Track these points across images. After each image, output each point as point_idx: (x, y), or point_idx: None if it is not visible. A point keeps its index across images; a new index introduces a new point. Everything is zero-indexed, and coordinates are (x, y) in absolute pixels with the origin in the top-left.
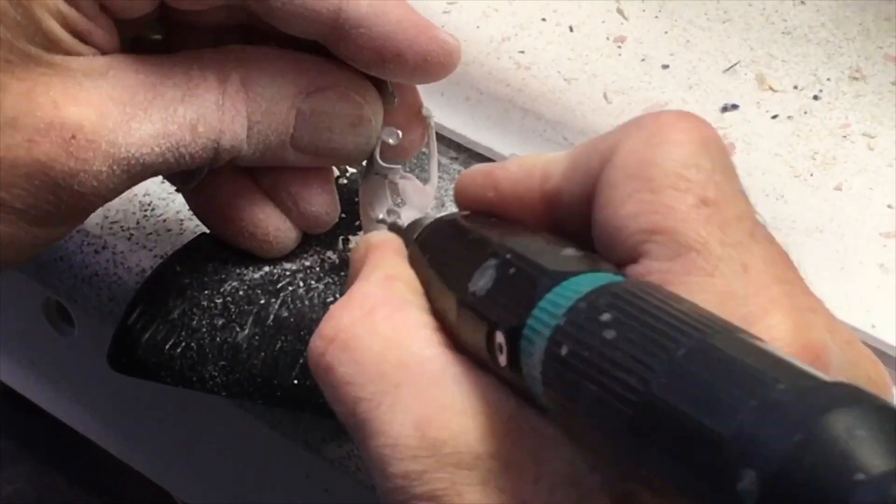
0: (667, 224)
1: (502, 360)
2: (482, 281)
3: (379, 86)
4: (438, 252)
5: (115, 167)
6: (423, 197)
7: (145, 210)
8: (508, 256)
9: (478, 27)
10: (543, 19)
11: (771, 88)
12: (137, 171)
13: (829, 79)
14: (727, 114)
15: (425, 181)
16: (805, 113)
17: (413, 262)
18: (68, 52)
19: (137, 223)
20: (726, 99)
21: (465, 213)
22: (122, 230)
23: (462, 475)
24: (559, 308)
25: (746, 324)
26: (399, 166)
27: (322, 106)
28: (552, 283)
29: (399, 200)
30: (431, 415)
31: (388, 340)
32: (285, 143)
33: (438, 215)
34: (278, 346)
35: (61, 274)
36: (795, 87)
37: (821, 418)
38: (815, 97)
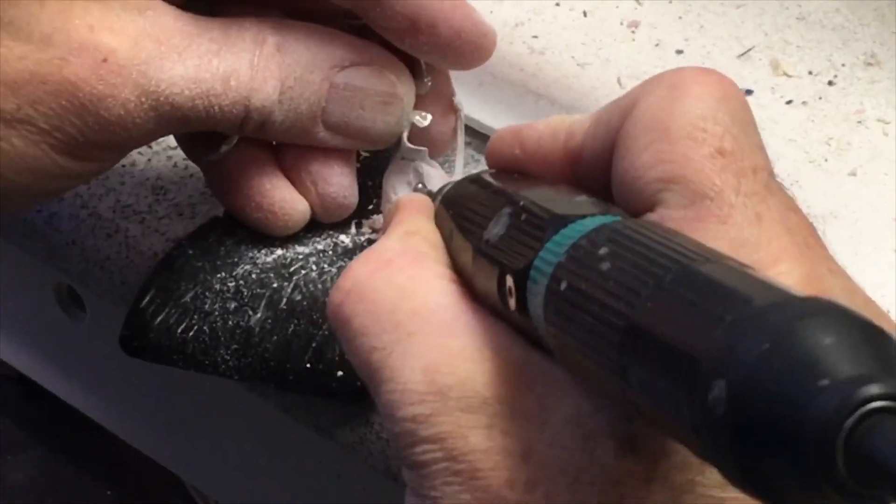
0: (682, 173)
1: (512, 303)
2: (496, 228)
3: (413, 68)
4: (460, 206)
5: (143, 98)
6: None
7: (157, 194)
8: (522, 204)
9: (491, 12)
10: (557, 4)
11: (785, 74)
12: (166, 112)
13: (843, 64)
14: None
15: (449, 173)
16: (820, 98)
17: (438, 220)
18: None
19: (149, 207)
20: (741, 84)
21: (492, 170)
22: (135, 214)
23: (468, 419)
24: (562, 247)
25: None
26: (425, 150)
27: (355, 81)
28: (560, 225)
29: (421, 187)
30: (440, 361)
31: (402, 290)
32: (316, 115)
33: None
34: (291, 329)
35: (73, 258)
36: (810, 73)
37: (789, 327)
38: (830, 83)
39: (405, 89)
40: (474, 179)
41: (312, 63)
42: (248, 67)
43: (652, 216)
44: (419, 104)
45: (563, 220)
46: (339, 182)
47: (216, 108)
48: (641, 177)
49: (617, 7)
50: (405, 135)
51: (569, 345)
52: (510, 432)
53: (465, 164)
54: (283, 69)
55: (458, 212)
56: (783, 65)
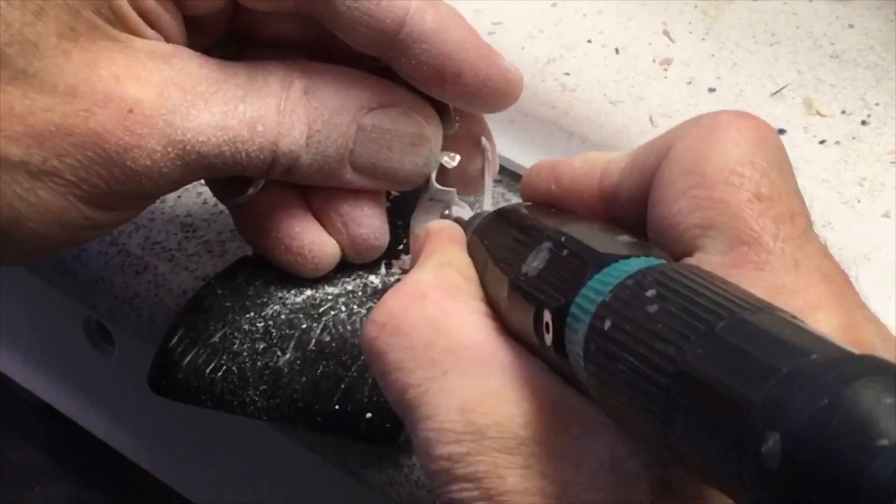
0: (720, 219)
1: (548, 339)
2: (535, 262)
3: (441, 110)
4: (496, 238)
5: (169, 148)
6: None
7: (187, 231)
8: (563, 240)
9: (523, 48)
10: (589, 41)
11: (818, 113)
12: (193, 160)
13: (877, 103)
14: (774, 131)
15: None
16: (853, 138)
17: (471, 250)
18: (134, 32)
19: (179, 244)
20: (773, 123)
21: (527, 203)
22: (164, 251)
23: (504, 459)
24: (606, 286)
25: None
26: (454, 191)
27: (383, 123)
28: (602, 264)
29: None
30: (477, 400)
31: (437, 326)
32: (344, 157)
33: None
34: (320, 370)
35: (102, 294)
36: (843, 112)
37: (848, 385)
38: (864, 122)
39: (433, 131)
40: (510, 212)
41: (340, 106)
42: (274, 112)
43: (690, 261)
44: (447, 144)
45: (607, 259)
46: (370, 223)
47: (243, 154)
48: (679, 223)
49: (649, 44)
50: (433, 175)
51: (609, 386)
52: (546, 473)
53: (494, 204)
54: (310, 113)
55: (493, 243)
56: (816, 104)
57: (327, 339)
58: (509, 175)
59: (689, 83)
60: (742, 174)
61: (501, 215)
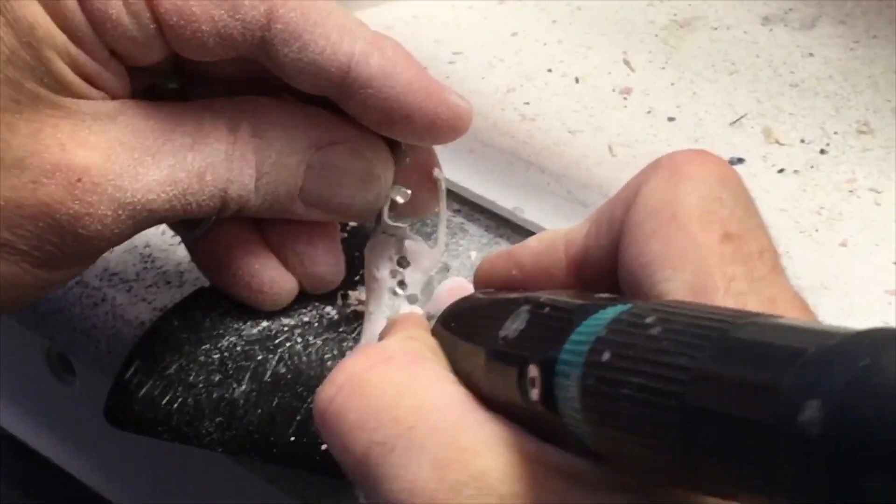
0: (693, 260)
1: (534, 394)
2: (514, 325)
3: (391, 144)
4: (463, 318)
5: (120, 212)
6: (430, 260)
7: (146, 262)
8: (542, 300)
9: (483, 78)
10: (549, 70)
11: (777, 142)
12: (143, 217)
13: (836, 132)
14: (733, 167)
15: (433, 244)
16: (812, 167)
17: (436, 336)
18: (78, 95)
19: (137, 275)
20: (732, 152)
21: (488, 290)
22: (122, 282)
23: None
24: (596, 327)
25: None
26: (406, 226)
27: (332, 160)
28: (588, 313)
29: (405, 261)
30: (450, 456)
31: (402, 387)
32: (294, 195)
33: (447, 281)
34: (275, 402)
35: (61, 326)
36: (802, 141)
37: (884, 346)
38: (822, 151)
39: (383, 167)
40: (472, 298)
41: (288, 146)
42: (223, 159)
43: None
44: (399, 176)
45: (591, 309)
46: (326, 261)
47: (193, 204)
48: (651, 263)
49: (609, 73)
50: (385, 209)
51: (612, 417)
52: None
53: (452, 235)
54: (258, 155)
55: (461, 324)
56: (775, 132)
57: (283, 370)
58: (468, 205)
59: (649, 112)
60: (712, 212)
61: (463, 301)
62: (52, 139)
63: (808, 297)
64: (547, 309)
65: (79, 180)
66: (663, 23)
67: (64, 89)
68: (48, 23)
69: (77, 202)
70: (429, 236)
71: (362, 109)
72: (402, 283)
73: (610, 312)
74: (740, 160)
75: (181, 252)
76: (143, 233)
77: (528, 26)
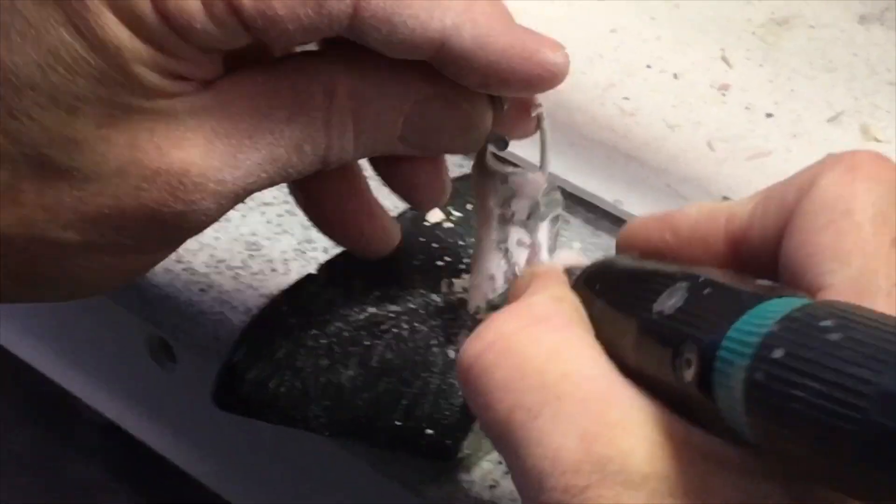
0: (860, 259)
1: (688, 374)
2: (671, 301)
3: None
4: (610, 284)
5: (223, 201)
6: (534, 186)
7: (251, 250)
8: (701, 280)
9: (583, 73)
10: (648, 66)
11: (875, 139)
12: (243, 196)
13: None
14: None
15: (538, 168)
16: None
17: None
18: (170, 96)
19: (243, 263)
20: (830, 148)
21: (633, 255)
22: (229, 269)
23: (628, 494)
24: (765, 320)
25: None
26: (509, 166)
27: (430, 112)
28: (753, 302)
29: (510, 191)
30: (598, 430)
31: (552, 352)
32: (393, 143)
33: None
34: (381, 387)
35: (167, 312)
36: None
37: None
38: None
39: (481, 115)
40: (620, 260)
41: (386, 103)
42: (321, 126)
43: (823, 295)
44: (497, 118)
45: (758, 298)
46: (431, 187)
47: (294, 174)
48: (816, 254)
49: (707, 70)
50: (488, 153)
51: (780, 416)
52: None
53: (555, 223)
54: (356, 116)
55: (609, 289)
56: (873, 129)
57: (389, 356)
58: (570, 197)
59: (747, 108)
60: (887, 214)
61: (607, 265)
62: (149, 144)
63: None
64: (708, 289)
65: (180, 182)
66: (761, 20)
67: (155, 94)
68: (134, 42)
69: (180, 202)
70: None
71: (459, 76)
72: (509, 210)
73: (780, 305)
74: None
75: (287, 240)
76: (249, 221)
77: (627, 23)
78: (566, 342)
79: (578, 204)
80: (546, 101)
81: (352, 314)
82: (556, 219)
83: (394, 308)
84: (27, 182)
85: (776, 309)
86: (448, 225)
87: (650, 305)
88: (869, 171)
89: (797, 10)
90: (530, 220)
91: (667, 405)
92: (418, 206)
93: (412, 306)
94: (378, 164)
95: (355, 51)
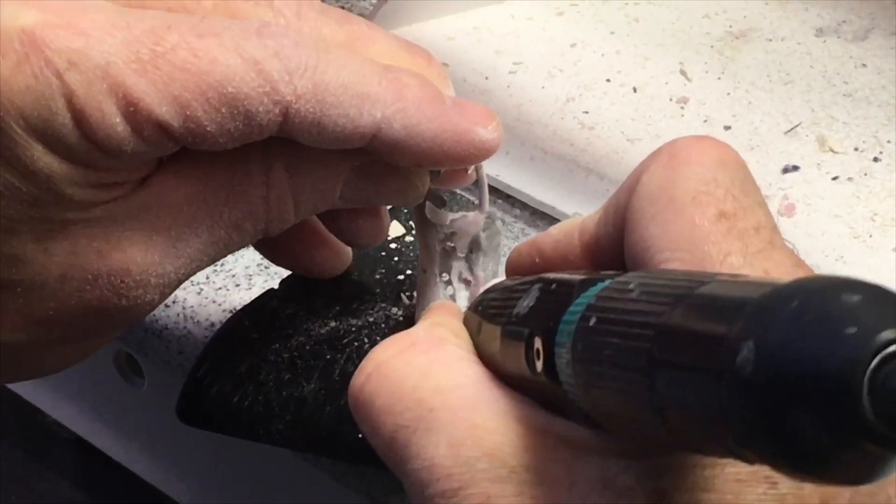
0: (689, 239)
1: (539, 365)
2: (525, 302)
3: None
4: (487, 303)
5: (166, 290)
6: (474, 225)
7: (215, 265)
8: (550, 278)
9: (543, 87)
10: (608, 80)
11: (832, 150)
12: (185, 279)
13: (889, 141)
14: (788, 175)
15: (476, 206)
16: (865, 175)
17: (466, 321)
18: (105, 202)
19: (207, 278)
20: (787, 160)
21: (515, 277)
22: (192, 285)
23: (497, 489)
24: (591, 297)
25: None
26: (448, 217)
27: (369, 176)
28: (588, 285)
29: (451, 232)
30: (465, 434)
31: (424, 370)
32: (333, 203)
33: (496, 280)
34: (343, 400)
35: (132, 327)
36: (856, 149)
37: (818, 288)
38: (876, 159)
39: (419, 179)
40: (497, 285)
41: (324, 174)
42: (261, 204)
43: None
44: (434, 177)
45: (591, 282)
46: (368, 234)
47: (234, 249)
48: (651, 246)
49: (666, 83)
50: (426, 206)
51: (595, 380)
52: (539, 498)
53: (514, 240)
54: (295, 189)
55: (485, 307)
56: (829, 141)
57: (351, 369)
58: (529, 210)
59: (706, 121)
60: (708, 192)
61: (490, 289)
62: (88, 249)
63: None
64: (554, 285)
65: (122, 281)
66: (719, 34)
67: (90, 206)
68: (64, 166)
69: (123, 299)
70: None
71: (393, 160)
72: (451, 247)
73: (605, 283)
74: (795, 168)
75: (250, 255)
76: None
77: (586, 37)
78: (437, 359)
79: (537, 217)
80: (507, 115)
81: (313, 328)
82: (497, 246)
83: (355, 322)
84: None
85: (602, 286)
86: (409, 238)
87: (511, 312)
88: (686, 155)
89: (755, 24)
90: (472, 253)
91: (533, 400)
92: (360, 247)
93: (371, 320)
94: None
95: None
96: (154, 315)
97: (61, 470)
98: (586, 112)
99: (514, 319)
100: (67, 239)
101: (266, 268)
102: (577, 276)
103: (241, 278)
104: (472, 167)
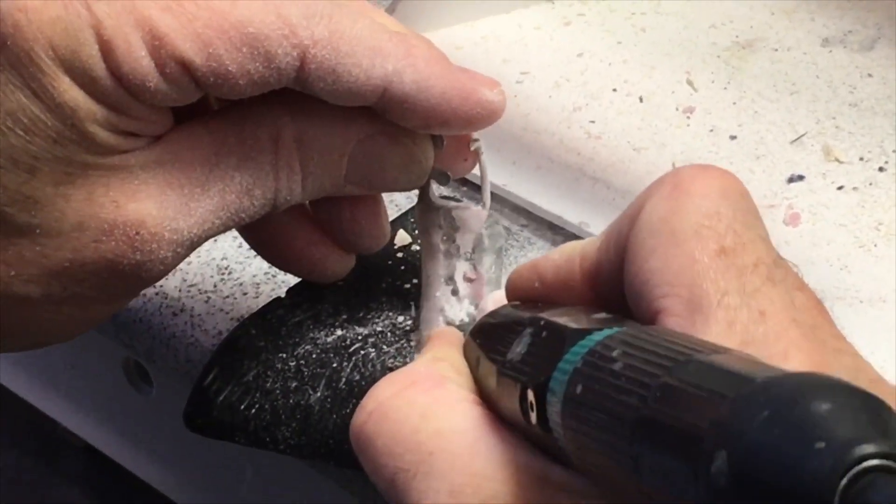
0: (689, 276)
1: (533, 417)
2: (518, 348)
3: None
4: (486, 334)
5: (178, 249)
6: (477, 220)
7: (223, 273)
8: (541, 323)
9: (550, 97)
10: (614, 90)
11: (837, 160)
12: (198, 243)
13: (894, 150)
14: (793, 184)
15: (479, 202)
16: (870, 184)
17: (466, 350)
18: (123, 151)
19: (215, 286)
20: (793, 170)
21: (515, 302)
22: (200, 293)
23: None
24: (579, 356)
25: None
26: (451, 201)
27: (373, 150)
28: (577, 338)
29: (454, 225)
30: (464, 482)
31: (424, 412)
32: (339, 183)
33: (495, 292)
34: (349, 408)
35: (140, 335)
36: (861, 159)
37: (788, 397)
38: (881, 168)
39: (423, 150)
40: (499, 311)
41: (331, 144)
42: (269, 170)
43: (662, 318)
44: (437, 154)
45: (581, 333)
46: (370, 234)
47: (245, 218)
48: (649, 280)
49: (673, 93)
50: (430, 188)
51: (585, 446)
52: None
53: (520, 248)
54: (302, 159)
55: (484, 339)
56: (835, 151)
57: (357, 377)
58: (535, 219)
59: (711, 131)
60: (709, 227)
61: (492, 316)
62: (105, 198)
63: (866, 310)
64: (544, 333)
65: (136, 233)
66: (725, 44)
67: (110, 151)
68: (89, 102)
69: (138, 253)
70: (474, 198)
71: (401, 119)
72: (454, 245)
73: (594, 338)
74: (800, 177)
75: (257, 264)
76: (220, 245)
77: (593, 47)
78: (437, 401)
79: (544, 226)
80: (513, 124)
81: (320, 337)
82: (500, 250)
83: (361, 330)
84: None
85: (589, 345)
86: (415, 248)
87: (506, 353)
88: (689, 186)
89: (761, 34)
90: (475, 253)
91: (530, 443)
92: (361, 251)
93: (379, 329)
94: (319, 214)
95: (298, 96)
96: (162, 323)
97: (71, 477)
98: (593, 121)
99: (507, 365)
100: (85, 187)
101: (273, 276)
102: (567, 326)
103: (249, 286)
104: (474, 147)
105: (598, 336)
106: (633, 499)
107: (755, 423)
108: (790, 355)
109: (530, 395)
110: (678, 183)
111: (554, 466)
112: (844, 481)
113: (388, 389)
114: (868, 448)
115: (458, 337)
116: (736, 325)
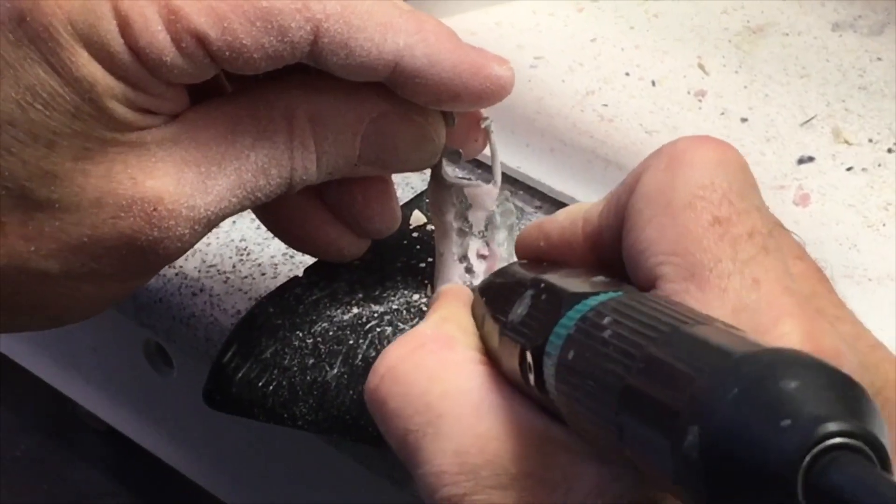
0: (684, 245)
1: (531, 378)
2: (519, 309)
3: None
4: (492, 293)
5: (196, 226)
6: (489, 197)
7: (241, 255)
8: (541, 286)
9: (563, 81)
10: (627, 74)
11: (846, 142)
12: (216, 221)
13: None
14: (803, 166)
15: (490, 181)
16: (879, 165)
17: (474, 307)
18: (141, 128)
19: (233, 267)
20: (803, 151)
21: (522, 261)
22: (219, 273)
23: (499, 495)
24: (573, 321)
25: (759, 334)
26: (463, 179)
27: (386, 128)
28: (573, 302)
29: (466, 203)
30: (469, 442)
31: (432, 374)
32: (352, 163)
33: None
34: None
35: (160, 315)
36: (870, 141)
37: (758, 374)
38: (889, 150)
39: (435, 128)
40: (506, 270)
41: (344, 123)
42: (284, 150)
43: (658, 287)
44: (449, 132)
45: (577, 298)
46: (381, 218)
47: (262, 197)
48: (646, 249)
49: (684, 77)
50: (443, 165)
51: (575, 411)
52: (538, 503)
53: (511, 231)
54: (317, 138)
55: (489, 298)
56: (844, 132)
57: (373, 354)
58: (549, 201)
59: (723, 114)
60: (703, 197)
61: (499, 274)
62: (123, 174)
63: (875, 289)
64: (543, 296)
65: (154, 209)
66: (737, 29)
67: (127, 127)
68: (107, 77)
69: (156, 229)
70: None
71: (412, 94)
72: (466, 223)
73: (588, 303)
74: (811, 159)
75: (275, 245)
76: (239, 227)
77: (606, 32)
78: (445, 362)
79: (557, 207)
80: (527, 108)
81: (336, 314)
82: (511, 227)
83: (377, 308)
84: (10, 214)
85: (584, 309)
86: (430, 227)
87: (508, 314)
88: (686, 157)
89: (772, 19)
90: (487, 230)
91: (531, 401)
92: (373, 236)
93: (394, 306)
94: (332, 199)
95: (311, 75)
96: (182, 303)
97: (92, 459)
98: (606, 105)
99: (509, 325)
100: (104, 162)
101: (291, 257)
102: (565, 289)
103: (267, 267)
104: (485, 125)
105: (593, 301)
106: (616, 458)
107: (726, 401)
108: (781, 322)
109: (528, 357)
110: (675, 154)
111: (554, 425)
112: (808, 459)
113: (398, 352)
114: (832, 426)
115: (467, 294)
116: (728, 292)
